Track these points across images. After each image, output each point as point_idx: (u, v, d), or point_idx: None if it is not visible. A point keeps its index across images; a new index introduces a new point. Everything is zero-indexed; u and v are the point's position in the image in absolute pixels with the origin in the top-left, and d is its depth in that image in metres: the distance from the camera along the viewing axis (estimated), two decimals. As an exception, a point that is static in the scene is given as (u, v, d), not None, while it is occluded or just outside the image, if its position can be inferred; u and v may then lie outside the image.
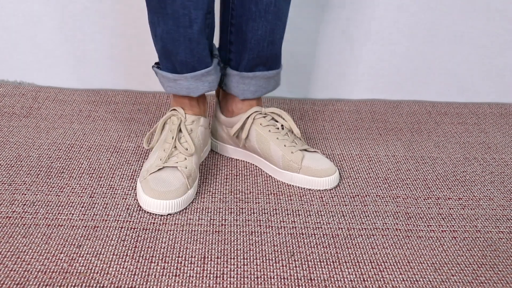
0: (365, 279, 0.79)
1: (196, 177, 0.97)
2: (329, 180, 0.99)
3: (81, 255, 0.81)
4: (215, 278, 0.78)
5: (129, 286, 0.76)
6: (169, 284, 0.77)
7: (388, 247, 0.86)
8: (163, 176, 0.93)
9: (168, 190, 0.90)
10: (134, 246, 0.84)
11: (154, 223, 0.89)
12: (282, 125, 1.03)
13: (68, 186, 0.98)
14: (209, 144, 1.09)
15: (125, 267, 0.79)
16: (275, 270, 0.80)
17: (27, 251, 0.81)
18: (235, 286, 0.77)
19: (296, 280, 0.78)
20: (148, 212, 0.91)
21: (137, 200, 0.94)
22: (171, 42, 0.93)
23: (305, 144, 1.04)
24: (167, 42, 0.93)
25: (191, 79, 0.96)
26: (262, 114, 1.03)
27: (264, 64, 1.00)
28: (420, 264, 0.83)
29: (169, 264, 0.80)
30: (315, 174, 0.99)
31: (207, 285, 0.77)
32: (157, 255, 0.82)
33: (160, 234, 0.87)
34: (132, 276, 0.78)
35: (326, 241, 0.87)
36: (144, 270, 0.79)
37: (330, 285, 0.78)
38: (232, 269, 0.80)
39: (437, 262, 0.83)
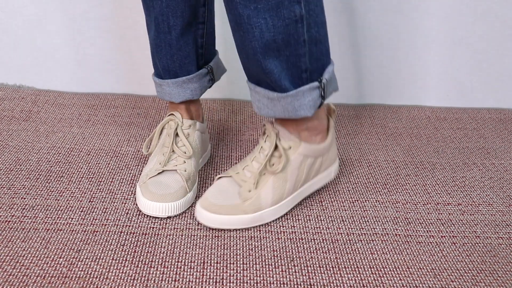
0: (365, 285, 0.79)
1: (195, 181, 0.97)
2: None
3: (80, 260, 0.81)
4: (214, 283, 0.78)
5: (128, 291, 0.76)
6: (168, 289, 0.77)
7: (387, 253, 0.86)
8: (162, 179, 0.93)
9: (168, 192, 0.90)
10: (133, 250, 0.84)
11: (153, 227, 0.89)
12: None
13: (67, 190, 0.97)
14: (208, 151, 1.09)
15: (124, 271, 0.79)
16: (274, 275, 0.80)
17: (26, 255, 0.81)
18: (234, 291, 0.77)
19: (295, 286, 0.78)
20: (147, 217, 0.91)
21: (136, 204, 0.94)
22: (155, 48, 0.97)
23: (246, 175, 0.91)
24: (153, 47, 0.97)
25: (172, 85, 0.99)
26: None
27: (267, 82, 0.86)
28: (419, 270, 0.83)
29: (169, 269, 0.80)
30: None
31: (207, 290, 0.77)
32: (157, 260, 0.82)
33: (160, 238, 0.87)
34: (132, 280, 0.78)
35: (326, 246, 0.87)
36: (144, 275, 0.79)
37: (330, 291, 0.78)
38: (231, 274, 0.80)
39: (436, 268, 0.83)
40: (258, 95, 0.89)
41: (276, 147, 0.90)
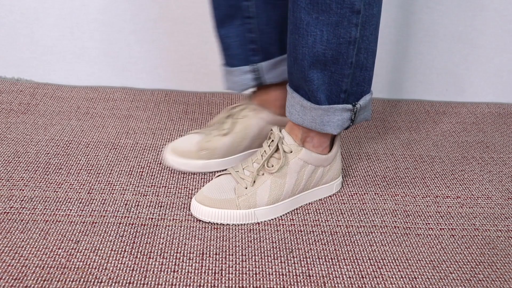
0: (364, 276, 0.79)
1: (214, 156, 1.01)
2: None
3: (79, 251, 0.81)
4: (213, 274, 0.78)
5: (128, 281, 0.76)
6: (167, 280, 0.76)
7: (386, 245, 0.86)
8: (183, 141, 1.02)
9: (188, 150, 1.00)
10: (132, 241, 0.84)
11: (152, 218, 0.89)
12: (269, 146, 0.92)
13: (66, 182, 0.97)
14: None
15: (123, 262, 0.79)
16: (273, 267, 0.80)
17: (25, 246, 0.81)
18: (233, 282, 0.77)
19: (294, 277, 0.78)
20: (146, 208, 0.91)
21: (134, 195, 0.94)
22: None
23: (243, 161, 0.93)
24: None
25: (223, 70, 1.03)
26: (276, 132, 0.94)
27: (305, 90, 0.88)
28: (418, 262, 0.83)
29: (168, 260, 0.80)
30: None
31: (206, 281, 0.77)
32: (156, 251, 0.82)
33: (159, 229, 0.86)
34: (131, 271, 0.78)
35: (325, 238, 0.87)
36: (143, 266, 0.79)
37: (329, 282, 0.78)
38: (230, 265, 0.80)
39: (435, 260, 0.83)
40: (293, 101, 0.90)
41: (277, 149, 0.91)
